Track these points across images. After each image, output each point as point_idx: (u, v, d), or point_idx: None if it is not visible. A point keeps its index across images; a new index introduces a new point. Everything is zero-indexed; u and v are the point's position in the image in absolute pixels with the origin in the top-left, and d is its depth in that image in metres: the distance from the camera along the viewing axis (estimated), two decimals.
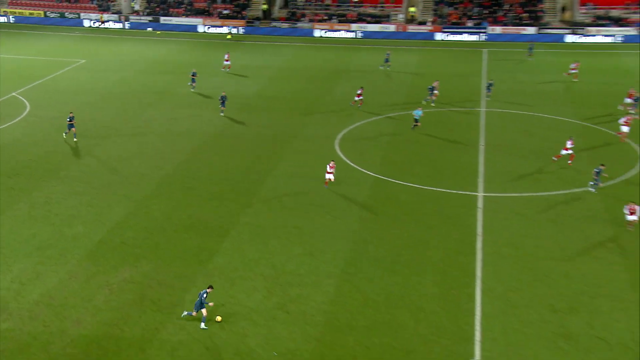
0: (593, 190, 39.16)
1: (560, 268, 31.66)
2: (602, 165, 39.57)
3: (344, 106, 56.75)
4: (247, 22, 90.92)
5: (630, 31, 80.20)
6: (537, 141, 47.73)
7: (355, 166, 43.86)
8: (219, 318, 27.89)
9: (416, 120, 50.11)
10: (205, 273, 31.48)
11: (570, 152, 42.76)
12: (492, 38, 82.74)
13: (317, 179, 41.70)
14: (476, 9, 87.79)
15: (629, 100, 52.65)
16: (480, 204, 38.26)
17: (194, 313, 27.82)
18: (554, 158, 43.62)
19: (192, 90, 61.11)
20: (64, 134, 48.67)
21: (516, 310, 28.64)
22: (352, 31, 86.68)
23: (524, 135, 48.99)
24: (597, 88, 61.09)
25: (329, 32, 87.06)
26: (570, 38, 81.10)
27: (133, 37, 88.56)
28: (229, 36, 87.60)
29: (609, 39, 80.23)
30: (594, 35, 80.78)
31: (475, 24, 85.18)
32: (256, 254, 33.17)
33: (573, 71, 62.70)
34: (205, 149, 47.26)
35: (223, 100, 53.94)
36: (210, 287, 28.14)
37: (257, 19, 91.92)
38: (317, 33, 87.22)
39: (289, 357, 25.98)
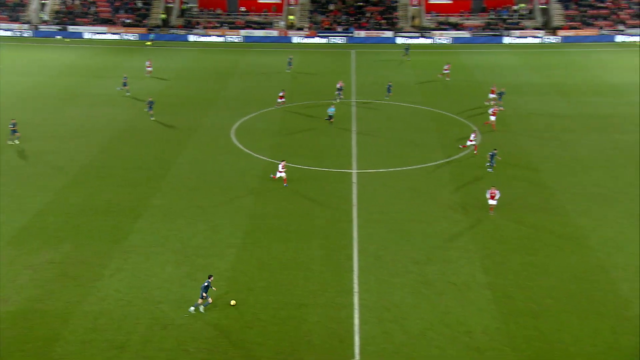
0: (490, 170, 39.29)
1: (419, 228, 32.94)
2: (495, 149, 40.24)
3: (237, 101, 56.13)
4: (149, 29, 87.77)
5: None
6: (400, 127, 49.10)
7: (249, 152, 43.61)
8: (233, 302, 26.18)
9: (330, 116, 49.15)
10: (122, 250, 30.50)
11: (474, 142, 42.38)
12: (357, 40, 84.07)
13: (216, 163, 41.16)
14: (344, 17, 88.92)
15: (492, 96, 52.90)
16: (354, 179, 39.08)
17: (200, 301, 25.69)
18: (460, 146, 43.26)
19: (127, 94, 57.07)
20: (7, 141, 45.07)
21: (386, 264, 29.60)
22: (241, 36, 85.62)
23: (389, 122, 50.25)
24: (463, 84, 63.44)
25: (221, 37, 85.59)
26: (437, 40, 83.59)
27: (43, 44, 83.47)
28: (149, 42, 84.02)
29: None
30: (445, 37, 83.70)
31: (344, 29, 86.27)
32: (166, 231, 32.43)
33: (446, 71, 62.59)
34: (117, 142, 45.50)
35: (150, 104, 50.96)
36: (210, 276, 26.26)
37: (157, 27, 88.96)
38: (210, 39, 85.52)
39: (198, 318, 25.71)
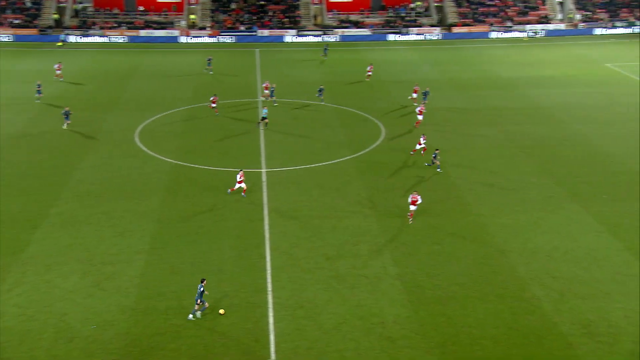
0: (439, 170, 39.31)
1: (329, 224, 33.43)
2: (437, 149, 40.10)
3: (140, 103, 54.57)
4: (40, 31, 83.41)
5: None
6: (308, 126, 49.50)
7: (155, 154, 42.55)
8: (222, 311, 25.56)
9: (263, 118, 48.00)
10: (20, 263, 28.94)
11: (423, 145, 41.39)
12: (259, 39, 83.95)
13: (120, 168, 39.89)
14: (246, 15, 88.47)
15: (414, 95, 53.23)
16: (264, 178, 39.07)
17: (197, 307, 25.19)
18: (411, 152, 42.07)
19: (37, 101, 53.87)
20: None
21: (298, 261, 29.84)
22: (141, 37, 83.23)
23: (297, 121, 50.53)
24: (368, 82, 64.55)
25: (120, 38, 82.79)
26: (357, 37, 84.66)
27: None
28: (59, 43, 79.51)
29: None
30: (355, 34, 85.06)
31: (247, 28, 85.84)
32: (69, 240, 31.09)
33: (369, 73, 62.30)
34: (9, 149, 43.01)
35: (67, 114, 47.49)
36: (203, 280, 25.67)
37: (50, 27, 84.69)
38: (109, 39, 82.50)
39: (106, 328, 24.87)
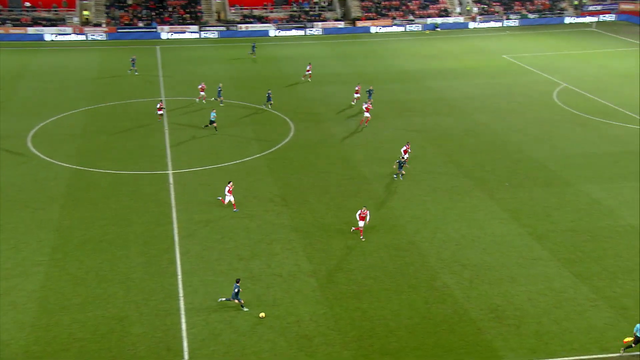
0: (401, 178, 38.00)
1: (241, 224, 33.19)
2: (402, 157, 38.84)
3: (31, 105, 51.84)
4: None
5: (270, 27, 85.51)
6: (217, 124, 48.82)
7: (50, 159, 40.59)
8: (262, 314, 25.67)
9: (212, 121, 45.88)
10: None
11: (407, 155, 39.28)
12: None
13: (12, 175, 37.78)
14: (145, 11, 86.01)
15: (356, 95, 52.73)
16: (171, 180, 38.21)
17: (231, 299, 26.06)
18: (399, 164, 38.87)
19: None
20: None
21: (210, 264, 29.44)
22: (30, 35, 78.97)
23: (204, 120, 49.68)
24: (280, 76, 64.18)
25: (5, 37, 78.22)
26: (272, 32, 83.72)
27: None
28: None
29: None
30: (289, 30, 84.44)
31: (145, 24, 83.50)
32: None
33: (308, 72, 61.09)
34: None
35: None
36: (238, 280, 26.09)
37: None
38: None
39: (2, 349, 23.50)
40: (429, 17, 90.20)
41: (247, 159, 41.77)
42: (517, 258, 30.13)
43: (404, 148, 39.77)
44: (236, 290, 25.82)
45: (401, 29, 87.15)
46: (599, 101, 53.91)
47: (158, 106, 48.72)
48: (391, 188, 37.57)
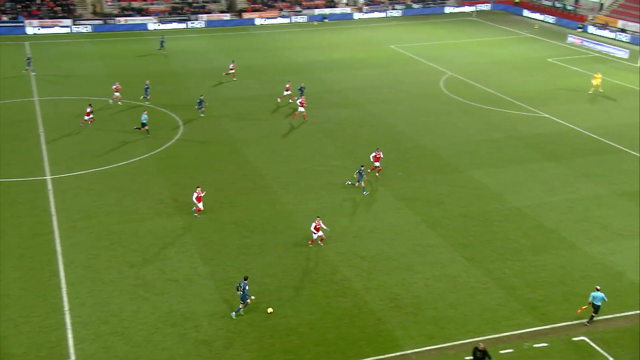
0: (364, 192, 36.41)
1: (130, 228, 32.04)
2: (362, 165, 37.24)
3: None
4: None
5: (152, 20, 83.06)
6: (96, 124, 46.67)
7: None
8: (270, 310, 25.82)
9: (143, 124, 43.93)
10: None
11: (377, 163, 38.04)
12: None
13: None
14: (9, 4, 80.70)
15: (287, 93, 51.73)
16: (49, 186, 36.22)
17: (242, 307, 25.75)
18: (377, 175, 38.26)
19: None
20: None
21: (98, 273, 28.21)
22: None
23: (80, 120, 47.42)
24: (167, 72, 62.12)
25: None
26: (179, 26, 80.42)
27: None
28: None
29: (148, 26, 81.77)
30: (171, 23, 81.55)
31: (11, 19, 78.39)
32: None
33: (232, 71, 59.11)
34: None
35: None
36: (246, 277, 26.11)
37: None
38: None
39: None
40: (316, 8, 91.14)
41: (134, 159, 40.38)
42: (413, 246, 31.17)
43: (374, 155, 37.92)
44: (246, 288, 25.65)
45: (287, 20, 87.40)
46: (483, 88, 56.79)
47: (88, 110, 45.44)
48: (287, 183, 37.67)
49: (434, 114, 50.28)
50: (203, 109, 48.66)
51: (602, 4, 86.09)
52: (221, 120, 48.09)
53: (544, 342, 24.36)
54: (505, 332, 25.03)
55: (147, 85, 51.77)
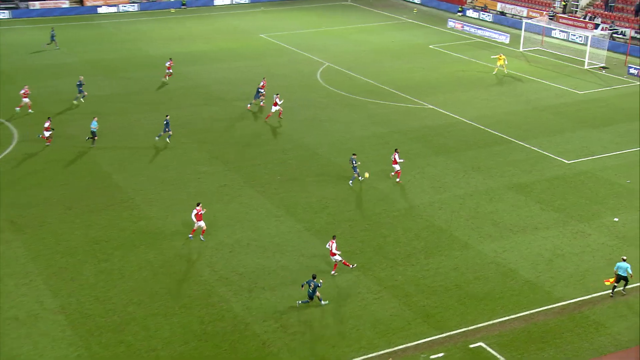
0: (360, 178, 38.26)
1: None
2: (354, 154, 38.65)
3: None
4: None
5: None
6: None
7: None
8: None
9: (93, 133, 42.28)
10: None
11: (397, 166, 38.68)
12: None
13: None
14: None
15: (261, 91, 50.57)
16: None
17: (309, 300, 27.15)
18: (395, 178, 38.77)
19: None
20: None
21: None
22: None
23: None
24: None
25: None
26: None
27: None
28: None
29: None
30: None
31: None
32: None
33: (169, 70, 56.45)
34: None
35: None
36: (314, 276, 27.31)
37: None
38: None
39: None
40: None
41: None
42: (297, 257, 31.31)
43: (394, 157, 38.58)
44: (312, 287, 26.96)
45: (134, 8, 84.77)
46: (363, 79, 58.28)
47: (46, 125, 42.37)
48: (150, 196, 36.64)
49: (313, 109, 50.95)
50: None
51: None
52: (67, 124, 45.95)
53: (441, 352, 25.29)
54: (401, 344, 25.72)
55: (80, 81, 50.12)
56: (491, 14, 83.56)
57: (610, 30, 69.46)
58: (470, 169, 40.99)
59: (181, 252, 31.42)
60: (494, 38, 73.84)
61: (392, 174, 39.29)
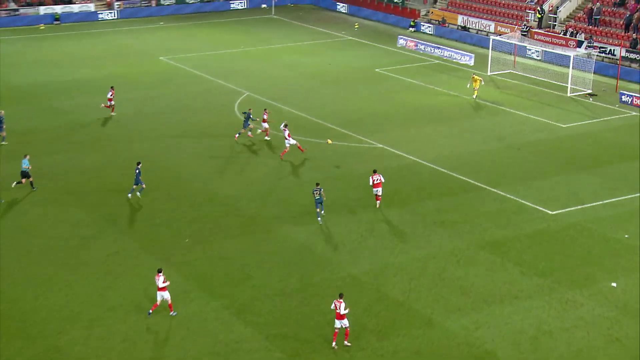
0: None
1: None
2: (318, 184, 41.27)
3: None
4: None
5: None
6: None
7: None
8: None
9: (24, 173, 43.34)
10: None
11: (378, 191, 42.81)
12: None
13: None
14: None
15: (266, 126, 52.25)
16: None
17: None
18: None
19: None
20: None
21: None
22: None
23: None
24: None
25: None
26: None
27: None
28: None
29: None
30: None
31: None
32: None
33: (110, 102, 56.59)
34: None
35: None
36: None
37: None
38: None
39: None
40: (41, 5, 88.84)
41: None
42: (215, 345, 30.79)
43: (373, 180, 42.55)
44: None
45: None
46: (292, 112, 58.71)
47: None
48: (17, 272, 35.73)
49: (232, 152, 50.92)
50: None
51: None
52: None
53: None
54: None
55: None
56: (451, 30, 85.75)
57: (596, 48, 71.59)
58: (432, 223, 41.44)
59: (74, 340, 30.57)
60: (456, 59, 75.64)
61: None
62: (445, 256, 38.06)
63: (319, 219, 41.09)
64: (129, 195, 43.43)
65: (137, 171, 42.83)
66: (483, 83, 62.95)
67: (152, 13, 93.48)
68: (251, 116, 52.30)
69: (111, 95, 56.70)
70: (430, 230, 40.65)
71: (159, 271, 32.37)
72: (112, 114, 57.20)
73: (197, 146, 50.76)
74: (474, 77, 62.82)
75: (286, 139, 49.02)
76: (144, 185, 43.01)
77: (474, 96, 62.06)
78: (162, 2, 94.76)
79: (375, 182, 42.23)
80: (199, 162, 48.91)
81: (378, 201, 42.76)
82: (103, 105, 56.50)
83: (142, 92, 62.84)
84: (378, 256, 37.97)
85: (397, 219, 41.93)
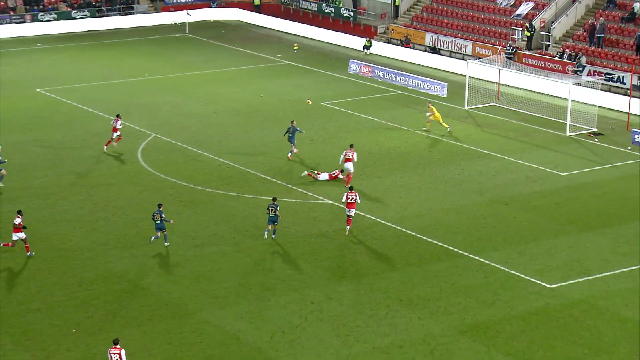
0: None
1: None
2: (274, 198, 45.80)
3: None
4: None
5: None
6: None
7: None
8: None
9: None
10: None
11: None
12: None
13: None
14: None
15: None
16: None
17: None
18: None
19: None
20: None
21: None
22: None
23: None
24: None
25: None
26: None
27: None
28: None
29: None
30: None
31: None
32: None
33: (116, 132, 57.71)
34: None
35: None
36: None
37: None
38: None
39: None
40: None
41: None
42: None
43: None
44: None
45: None
46: (213, 159, 58.70)
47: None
48: None
49: (130, 209, 50.57)
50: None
51: (397, 8, 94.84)
52: None
53: None
54: None
55: None
56: (417, 52, 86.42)
57: (601, 74, 72.16)
58: (397, 302, 41.32)
59: None
60: (424, 89, 75.88)
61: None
62: (415, 345, 37.85)
63: (265, 235, 45.54)
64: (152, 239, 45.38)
65: (159, 214, 45.51)
66: (435, 114, 63.52)
67: (26, 31, 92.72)
68: (297, 129, 58.20)
69: (119, 125, 59.47)
70: (395, 311, 40.48)
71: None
72: (114, 145, 59.70)
73: (83, 207, 50.08)
74: (429, 107, 63.70)
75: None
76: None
77: (426, 128, 63.35)
78: (39, 16, 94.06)
79: (349, 201, 46.04)
80: (88, 228, 48.29)
81: (348, 226, 46.36)
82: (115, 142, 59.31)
83: (11, 137, 61.90)
84: (327, 346, 37.63)
85: (351, 296, 41.70)
